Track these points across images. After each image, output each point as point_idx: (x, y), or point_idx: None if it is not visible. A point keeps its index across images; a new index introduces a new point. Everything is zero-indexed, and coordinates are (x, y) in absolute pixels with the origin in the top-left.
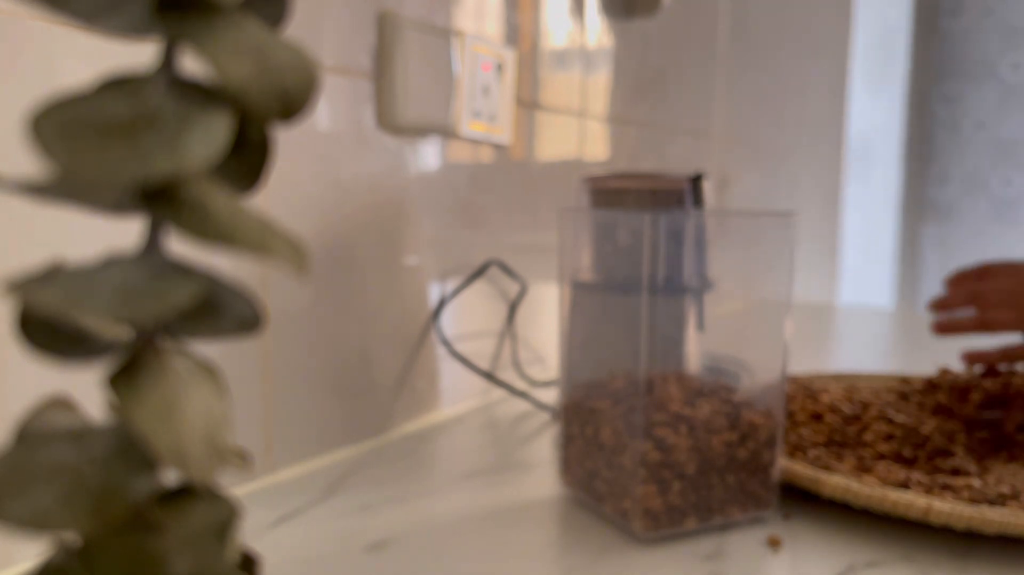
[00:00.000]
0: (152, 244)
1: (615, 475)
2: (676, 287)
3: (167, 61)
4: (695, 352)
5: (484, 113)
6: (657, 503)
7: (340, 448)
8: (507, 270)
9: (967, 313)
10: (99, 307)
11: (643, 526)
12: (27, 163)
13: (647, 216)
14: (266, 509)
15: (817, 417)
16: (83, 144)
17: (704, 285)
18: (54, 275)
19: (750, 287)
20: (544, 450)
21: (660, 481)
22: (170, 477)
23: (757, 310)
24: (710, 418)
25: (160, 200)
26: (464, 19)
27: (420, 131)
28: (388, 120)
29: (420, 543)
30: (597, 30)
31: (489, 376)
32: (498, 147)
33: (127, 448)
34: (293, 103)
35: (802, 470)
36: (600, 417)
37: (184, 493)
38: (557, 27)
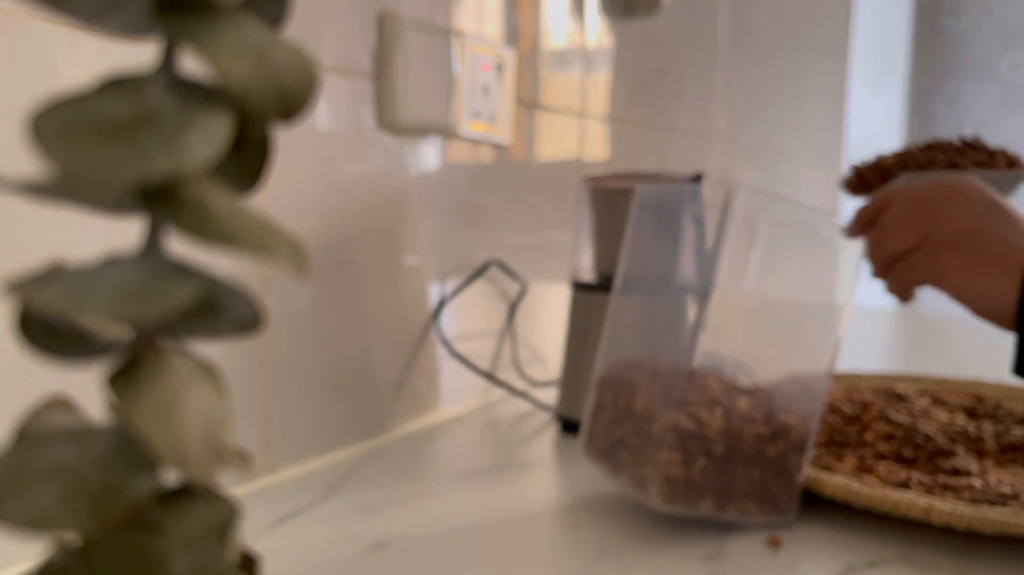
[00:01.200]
0: (152, 244)
1: (641, 443)
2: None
3: (167, 61)
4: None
5: (484, 113)
6: (679, 472)
7: (340, 448)
8: (507, 270)
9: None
10: (99, 307)
11: (660, 495)
12: (27, 163)
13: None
14: (266, 509)
15: None
16: (83, 144)
17: (708, 285)
18: (54, 275)
19: (793, 289)
20: (544, 450)
21: (686, 451)
22: (170, 477)
23: (801, 312)
24: (746, 410)
25: (160, 200)
26: (464, 19)
27: (420, 131)
28: (388, 120)
29: (420, 543)
30: (597, 30)
31: (489, 376)
32: (498, 147)
33: (127, 448)
34: (293, 103)
35: None
36: (636, 389)
37: (184, 493)
38: (557, 27)
